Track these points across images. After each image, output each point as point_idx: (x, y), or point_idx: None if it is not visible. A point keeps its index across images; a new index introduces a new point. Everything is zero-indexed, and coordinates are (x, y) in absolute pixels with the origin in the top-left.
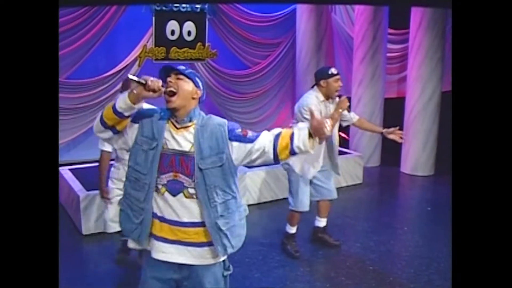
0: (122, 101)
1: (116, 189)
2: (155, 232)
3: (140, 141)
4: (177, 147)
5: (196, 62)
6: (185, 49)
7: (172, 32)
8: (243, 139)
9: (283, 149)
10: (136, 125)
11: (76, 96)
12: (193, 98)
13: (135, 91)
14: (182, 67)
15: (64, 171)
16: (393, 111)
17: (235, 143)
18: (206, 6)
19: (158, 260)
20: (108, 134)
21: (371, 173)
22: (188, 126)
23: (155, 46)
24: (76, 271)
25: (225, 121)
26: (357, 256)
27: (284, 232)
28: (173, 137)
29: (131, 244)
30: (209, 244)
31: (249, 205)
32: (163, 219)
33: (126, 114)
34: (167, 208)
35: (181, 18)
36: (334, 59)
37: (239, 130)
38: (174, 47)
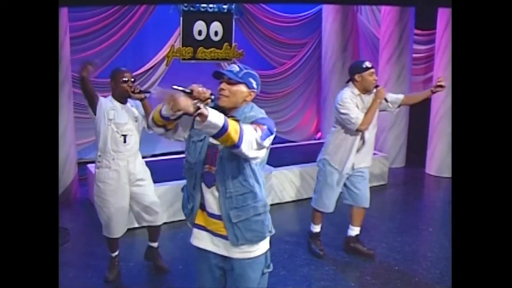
0: (166, 108)
1: (115, 191)
2: (197, 220)
3: (192, 133)
4: (213, 141)
5: (223, 62)
6: (212, 49)
7: (199, 32)
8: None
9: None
10: (190, 118)
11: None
12: (245, 100)
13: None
14: (232, 71)
15: (94, 168)
16: (419, 112)
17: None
18: (233, 6)
19: (201, 249)
20: (161, 131)
21: (396, 174)
22: None
23: (183, 46)
24: (105, 266)
25: (261, 115)
26: (382, 256)
27: (308, 231)
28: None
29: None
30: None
31: (275, 204)
32: (203, 207)
33: (172, 118)
34: (203, 198)
35: (208, 19)
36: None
37: (255, 125)
38: (201, 47)
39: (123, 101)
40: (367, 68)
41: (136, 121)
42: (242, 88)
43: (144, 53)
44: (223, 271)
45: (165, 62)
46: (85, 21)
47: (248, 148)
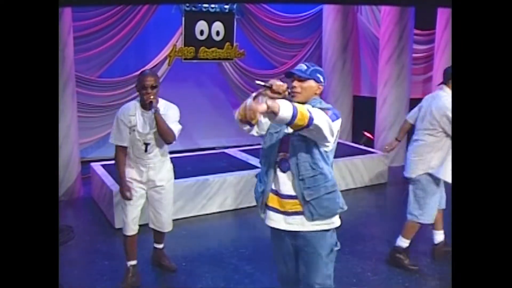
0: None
1: (134, 189)
2: (268, 203)
3: (271, 126)
4: (288, 130)
5: (224, 62)
6: (214, 48)
7: (201, 32)
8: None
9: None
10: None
11: (108, 94)
12: (316, 94)
13: (262, 93)
14: (300, 70)
15: (97, 167)
16: None
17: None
18: (235, 6)
19: (275, 229)
20: (246, 127)
21: (396, 173)
22: None
23: (185, 45)
24: (109, 264)
25: (328, 106)
26: (383, 253)
27: (396, 246)
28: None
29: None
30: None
31: None
32: (275, 192)
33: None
34: (278, 182)
35: (210, 19)
36: (360, 60)
37: (329, 111)
38: (203, 47)
39: (146, 107)
40: None
41: None
42: (312, 83)
43: (146, 52)
44: (295, 249)
45: (167, 61)
46: (88, 21)
47: (321, 127)
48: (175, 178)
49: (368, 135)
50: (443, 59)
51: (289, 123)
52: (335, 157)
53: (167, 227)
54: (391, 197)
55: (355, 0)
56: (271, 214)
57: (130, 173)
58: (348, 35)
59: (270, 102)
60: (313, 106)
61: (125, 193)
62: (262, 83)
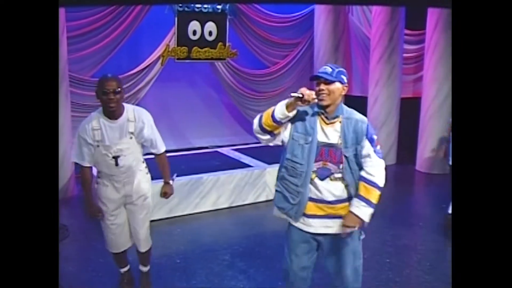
0: (281, 112)
1: (108, 213)
2: (307, 211)
3: (296, 137)
4: (326, 140)
5: (217, 62)
6: (206, 48)
7: (194, 32)
8: (374, 145)
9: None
10: (289, 124)
11: None
12: (341, 95)
13: (292, 101)
14: (328, 71)
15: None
16: (409, 111)
17: (367, 143)
18: (227, 7)
19: (305, 234)
20: (267, 137)
21: (387, 171)
22: (336, 121)
23: (177, 45)
24: (104, 261)
25: (365, 119)
26: (374, 249)
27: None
28: (323, 131)
29: (276, 213)
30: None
31: (269, 201)
32: (311, 199)
33: (284, 121)
34: (315, 190)
35: (203, 19)
36: (351, 59)
37: (375, 136)
38: (195, 47)
39: (111, 116)
40: None
41: (131, 138)
42: (338, 85)
43: (139, 52)
44: (318, 243)
45: (160, 61)
46: (81, 20)
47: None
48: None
49: None
50: (433, 59)
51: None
52: None
53: (144, 245)
54: (382, 195)
55: (346, 0)
56: (311, 221)
57: (105, 191)
58: (339, 35)
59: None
60: (344, 113)
61: (95, 212)
62: (295, 94)
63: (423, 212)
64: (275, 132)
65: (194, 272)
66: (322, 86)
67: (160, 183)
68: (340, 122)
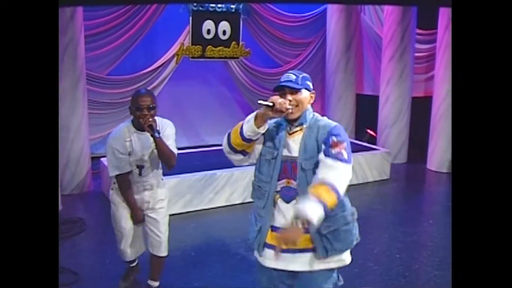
0: (249, 129)
1: (118, 215)
2: (268, 241)
3: (264, 152)
4: (288, 153)
5: (230, 60)
6: (220, 47)
7: (208, 31)
8: (328, 147)
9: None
10: (261, 138)
11: (116, 91)
12: (309, 103)
13: (262, 113)
14: (292, 79)
15: (106, 162)
16: (420, 110)
17: (323, 146)
18: (241, 6)
19: (268, 270)
20: (239, 157)
21: (398, 169)
22: (298, 130)
23: (192, 44)
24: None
25: (332, 123)
26: (385, 245)
27: None
28: (286, 143)
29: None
30: (314, 249)
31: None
32: (276, 229)
33: (254, 138)
34: (278, 216)
35: (217, 18)
36: (363, 59)
37: (336, 139)
38: (209, 46)
39: (140, 128)
40: None
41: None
42: (305, 93)
43: (154, 51)
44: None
45: (174, 59)
46: (98, 19)
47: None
48: (185, 172)
49: (371, 132)
50: (444, 58)
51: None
52: None
53: (163, 251)
54: (393, 192)
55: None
56: (271, 253)
57: (120, 197)
58: (351, 34)
59: (309, 216)
60: (311, 120)
61: (139, 216)
62: (264, 102)
63: (433, 209)
64: (248, 150)
65: (208, 265)
66: (289, 97)
67: (172, 179)
68: (302, 131)
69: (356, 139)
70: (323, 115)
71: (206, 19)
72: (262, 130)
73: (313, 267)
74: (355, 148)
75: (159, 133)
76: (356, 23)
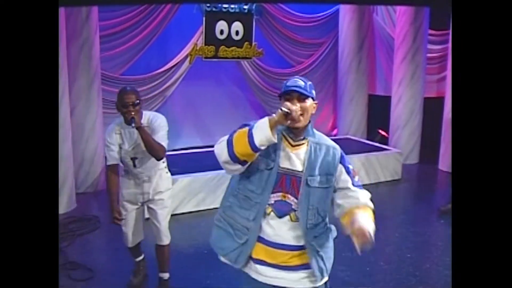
0: (263, 137)
1: (127, 212)
2: (254, 254)
3: (258, 161)
4: (290, 166)
5: (243, 60)
6: (233, 48)
7: (221, 32)
8: (351, 177)
9: (344, 222)
10: None
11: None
12: (312, 113)
13: (276, 120)
14: (301, 85)
15: None
16: (432, 110)
17: (344, 174)
18: (254, 7)
19: (255, 282)
20: (237, 166)
21: (410, 170)
22: (302, 144)
23: (205, 44)
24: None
25: (336, 145)
26: (395, 244)
27: None
28: (287, 155)
29: (224, 259)
30: (306, 267)
31: None
32: (264, 241)
33: (264, 148)
34: (269, 229)
35: (230, 19)
36: (375, 59)
37: (351, 166)
38: (222, 46)
39: (129, 123)
40: None
41: None
42: (310, 102)
43: (168, 51)
44: None
45: (188, 60)
46: (112, 20)
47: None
48: (197, 172)
49: (383, 133)
50: None
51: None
52: (351, 153)
53: (164, 239)
54: (404, 192)
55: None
56: (258, 268)
57: (127, 183)
58: (364, 35)
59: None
60: (306, 136)
61: (115, 215)
62: (284, 110)
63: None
64: (249, 160)
65: (220, 263)
66: (297, 103)
67: (185, 178)
68: (307, 145)
69: (368, 139)
70: (335, 115)
71: (219, 20)
72: (275, 139)
73: (301, 284)
74: (367, 149)
75: (137, 125)
76: (369, 23)
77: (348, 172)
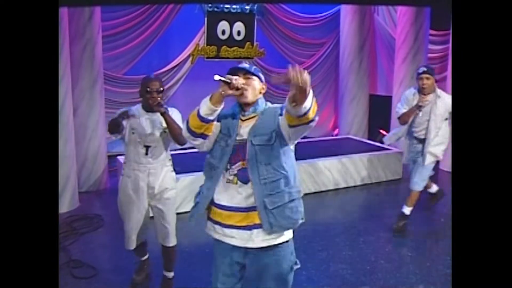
0: (206, 107)
1: (133, 202)
2: (218, 218)
3: (219, 138)
4: (241, 138)
5: (245, 60)
6: (235, 48)
7: (223, 32)
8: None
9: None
10: (218, 123)
11: (133, 91)
12: (260, 93)
13: (219, 91)
14: (246, 66)
15: (123, 160)
16: None
17: (281, 118)
18: (255, 7)
19: (224, 246)
20: (199, 141)
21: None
22: (252, 117)
23: (207, 45)
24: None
25: (279, 105)
26: (396, 243)
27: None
28: (240, 128)
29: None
30: (258, 227)
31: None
32: (228, 208)
33: (211, 118)
34: (235, 195)
35: (232, 19)
36: (376, 59)
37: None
38: (224, 46)
39: (149, 109)
40: (418, 74)
41: (164, 132)
42: (257, 81)
43: (170, 51)
44: (242, 269)
45: (190, 60)
46: (115, 20)
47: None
48: (198, 171)
49: (384, 133)
50: None
51: (302, 115)
52: (352, 153)
53: (172, 240)
54: (405, 192)
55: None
56: (223, 230)
57: (128, 183)
58: (365, 35)
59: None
60: (264, 107)
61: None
62: (222, 78)
63: (445, 209)
64: (206, 133)
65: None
66: (244, 81)
67: (187, 177)
68: (255, 118)
69: (369, 139)
70: (336, 115)
71: (221, 20)
72: (219, 107)
73: (255, 243)
74: (368, 148)
75: (166, 110)
76: (370, 24)
77: (282, 108)
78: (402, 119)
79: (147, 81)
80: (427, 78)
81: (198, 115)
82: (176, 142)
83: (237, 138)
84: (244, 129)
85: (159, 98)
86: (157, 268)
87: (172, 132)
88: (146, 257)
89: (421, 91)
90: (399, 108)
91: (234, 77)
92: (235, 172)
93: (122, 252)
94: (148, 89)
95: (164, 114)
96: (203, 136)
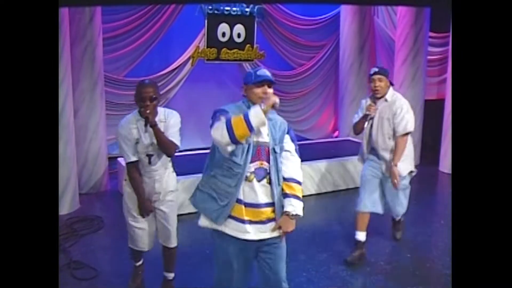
0: (259, 119)
1: (129, 208)
2: (236, 214)
3: None
4: (260, 139)
5: (245, 63)
6: (235, 50)
7: (223, 34)
8: (295, 144)
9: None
10: None
11: (132, 93)
12: None
13: (270, 103)
14: (270, 77)
15: (123, 162)
16: (433, 112)
17: (289, 141)
18: (255, 9)
19: (233, 240)
20: (234, 147)
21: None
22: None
23: (207, 47)
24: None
25: (284, 120)
26: (396, 245)
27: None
28: (258, 131)
29: (203, 223)
30: (272, 220)
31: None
32: (246, 204)
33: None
34: (251, 193)
35: (232, 21)
36: (376, 61)
37: (293, 133)
38: (224, 48)
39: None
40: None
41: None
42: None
43: (170, 53)
44: (254, 256)
45: (190, 62)
46: (116, 22)
47: None
48: (198, 173)
49: None
50: None
51: None
52: (352, 155)
53: (173, 242)
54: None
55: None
56: (241, 226)
57: (131, 191)
58: (364, 37)
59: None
60: (272, 113)
61: (147, 208)
62: (277, 100)
63: (445, 211)
64: (242, 140)
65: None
66: (267, 90)
67: (187, 178)
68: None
69: None
70: (336, 117)
71: (221, 22)
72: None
73: (274, 233)
74: None
75: (152, 125)
76: (369, 26)
77: (292, 140)
78: (354, 130)
79: (140, 87)
80: (379, 80)
81: (249, 126)
82: (164, 154)
83: (255, 139)
84: (262, 133)
85: (148, 111)
86: (158, 269)
87: (161, 146)
88: (141, 262)
89: (374, 95)
90: (355, 118)
91: (277, 99)
92: (253, 170)
93: (122, 254)
94: (141, 97)
95: (154, 128)
96: (239, 143)
